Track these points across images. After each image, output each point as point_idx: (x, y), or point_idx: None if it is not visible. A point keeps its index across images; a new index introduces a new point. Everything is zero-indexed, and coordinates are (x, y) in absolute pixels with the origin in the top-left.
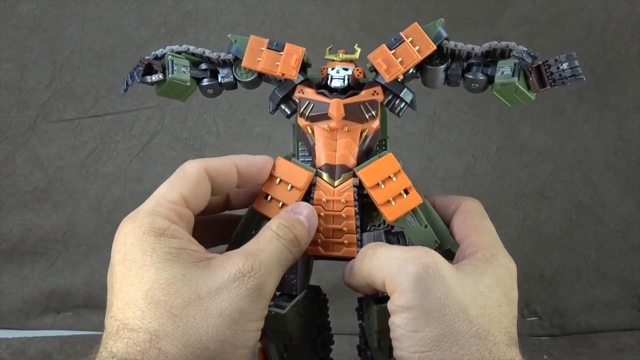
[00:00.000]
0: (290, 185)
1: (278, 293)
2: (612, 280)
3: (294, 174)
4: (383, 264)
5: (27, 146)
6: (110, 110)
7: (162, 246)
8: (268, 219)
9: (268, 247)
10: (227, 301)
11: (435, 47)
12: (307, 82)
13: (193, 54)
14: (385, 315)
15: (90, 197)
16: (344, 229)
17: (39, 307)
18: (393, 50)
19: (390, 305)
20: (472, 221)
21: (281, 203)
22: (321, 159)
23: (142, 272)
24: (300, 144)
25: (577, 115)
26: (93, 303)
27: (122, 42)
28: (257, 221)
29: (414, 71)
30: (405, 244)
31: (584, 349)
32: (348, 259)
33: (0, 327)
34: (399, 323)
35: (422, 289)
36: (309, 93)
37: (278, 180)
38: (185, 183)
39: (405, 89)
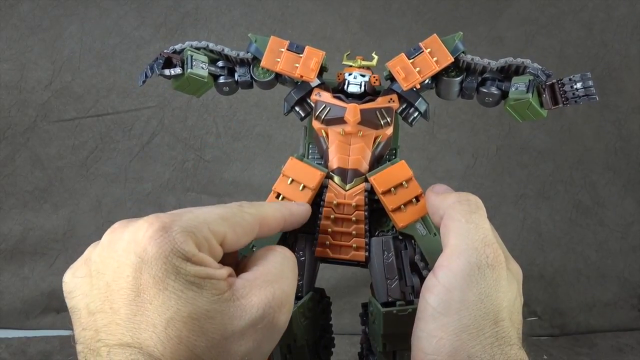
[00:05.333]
0: (302, 185)
1: None
2: (612, 280)
3: (306, 174)
4: (457, 234)
5: (27, 146)
6: (110, 110)
7: (186, 272)
8: None
9: (291, 275)
10: (251, 343)
11: (452, 59)
12: (323, 86)
13: (212, 51)
14: (391, 319)
15: (90, 197)
16: (353, 232)
17: (39, 307)
18: (412, 60)
19: (431, 279)
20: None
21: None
22: (334, 162)
23: (164, 296)
24: (311, 146)
25: (577, 115)
26: None
27: (122, 42)
28: None
29: (430, 82)
30: (413, 250)
31: (584, 349)
32: (355, 262)
33: (0, 327)
34: (432, 301)
35: (473, 279)
36: (326, 97)
37: (290, 180)
38: (235, 226)
39: (420, 99)
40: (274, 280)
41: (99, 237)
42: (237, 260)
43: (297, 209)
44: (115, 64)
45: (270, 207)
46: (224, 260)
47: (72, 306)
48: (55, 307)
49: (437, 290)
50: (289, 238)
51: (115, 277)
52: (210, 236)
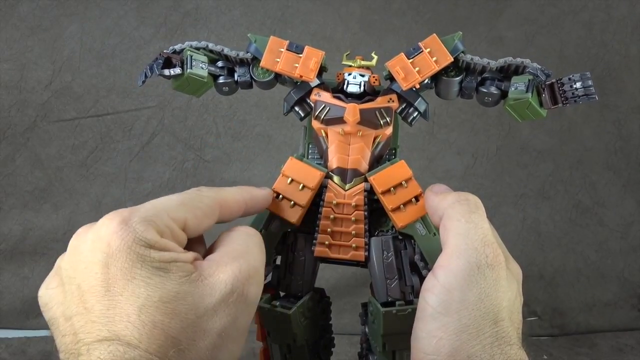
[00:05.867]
0: (301, 185)
1: (283, 294)
2: (612, 280)
3: (306, 174)
4: (456, 234)
5: (27, 146)
6: (110, 110)
7: (151, 259)
8: (278, 217)
9: (256, 250)
10: (226, 318)
11: (452, 59)
12: (323, 86)
13: (211, 51)
14: (391, 319)
15: (90, 197)
16: (353, 232)
17: (39, 307)
18: (411, 60)
19: (431, 279)
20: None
21: (292, 202)
22: (333, 162)
23: (132, 285)
24: (310, 146)
25: (577, 115)
26: None
27: (122, 42)
28: (267, 220)
29: (429, 82)
30: (412, 250)
31: (584, 349)
32: (355, 262)
33: (0, 327)
34: (432, 302)
35: (473, 279)
36: (326, 96)
37: (289, 179)
38: (195, 210)
39: (419, 99)
40: (238, 255)
41: None
42: (206, 249)
43: (258, 192)
44: (115, 64)
45: (229, 191)
46: (193, 250)
47: (49, 318)
48: None
49: (436, 291)
50: (288, 238)
51: (84, 278)
52: (171, 223)
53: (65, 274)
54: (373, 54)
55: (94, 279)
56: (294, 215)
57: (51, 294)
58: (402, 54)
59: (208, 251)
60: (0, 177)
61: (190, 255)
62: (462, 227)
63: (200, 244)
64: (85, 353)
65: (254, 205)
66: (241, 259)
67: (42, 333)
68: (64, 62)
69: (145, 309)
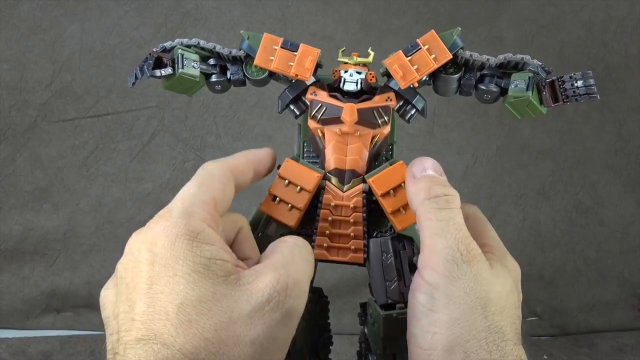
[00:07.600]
0: (299, 187)
1: None
2: (612, 280)
3: (303, 176)
4: (430, 233)
5: (27, 146)
6: (110, 110)
7: (193, 254)
8: (275, 221)
9: (300, 262)
10: (260, 327)
11: (451, 56)
12: (318, 84)
13: (203, 49)
14: (391, 321)
15: (90, 197)
16: (352, 234)
17: (39, 307)
18: (409, 57)
19: (417, 278)
20: (474, 224)
21: (290, 205)
22: (331, 163)
23: (173, 282)
24: (306, 145)
25: (577, 115)
26: (93, 303)
27: (122, 42)
28: (264, 223)
29: (427, 78)
30: (412, 251)
31: (583, 349)
32: (354, 264)
33: (0, 327)
34: (421, 300)
35: (455, 274)
36: (322, 96)
37: (286, 182)
38: (213, 184)
39: (417, 96)
40: (280, 266)
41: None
42: (258, 254)
43: (259, 152)
44: (115, 64)
45: (233, 156)
46: (245, 255)
47: (104, 317)
48: (55, 307)
49: (424, 289)
50: None
51: (132, 276)
52: (206, 206)
53: (119, 275)
54: (370, 50)
55: (140, 277)
56: (291, 219)
57: (107, 295)
58: (400, 51)
59: (257, 262)
60: (0, 177)
61: (232, 256)
62: (434, 226)
63: (251, 248)
64: (122, 353)
65: (259, 165)
66: (282, 269)
67: (42, 333)
68: (64, 62)
69: (183, 307)
